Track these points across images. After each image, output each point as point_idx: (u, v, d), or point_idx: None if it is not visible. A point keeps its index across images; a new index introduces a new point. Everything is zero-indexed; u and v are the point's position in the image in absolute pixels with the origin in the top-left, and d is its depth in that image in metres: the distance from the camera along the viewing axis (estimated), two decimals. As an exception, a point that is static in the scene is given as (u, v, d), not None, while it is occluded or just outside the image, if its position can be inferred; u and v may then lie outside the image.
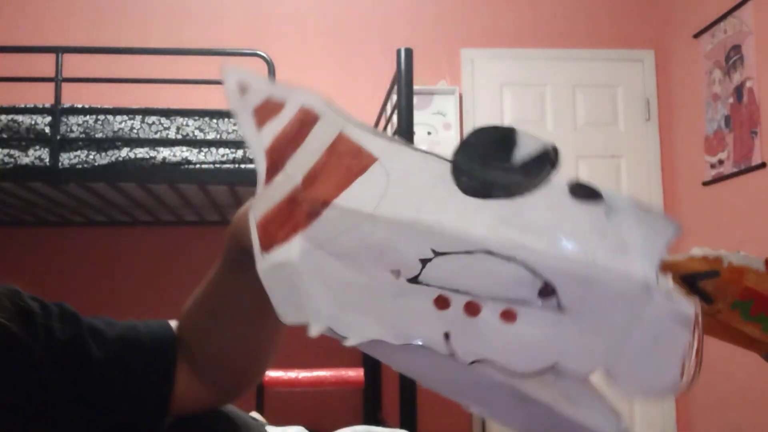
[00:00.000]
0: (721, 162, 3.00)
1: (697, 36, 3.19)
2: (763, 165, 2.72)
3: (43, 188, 2.56)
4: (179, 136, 2.45)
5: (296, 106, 0.49)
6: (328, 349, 3.27)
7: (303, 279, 0.47)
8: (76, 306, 0.62)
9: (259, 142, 0.49)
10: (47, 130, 2.39)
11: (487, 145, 0.46)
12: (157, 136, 2.44)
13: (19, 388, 0.54)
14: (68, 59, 2.57)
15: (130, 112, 2.46)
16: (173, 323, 0.66)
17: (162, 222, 3.30)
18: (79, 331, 0.58)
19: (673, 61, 3.45)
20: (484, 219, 0.45)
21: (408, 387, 2.34)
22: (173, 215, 3.18)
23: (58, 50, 2.51)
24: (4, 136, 2.39)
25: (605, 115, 3.51)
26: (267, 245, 0.47)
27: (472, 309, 0.45)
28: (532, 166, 0.45)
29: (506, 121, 3.49)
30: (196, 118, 2.49)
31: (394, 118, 2.56)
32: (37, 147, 2.39)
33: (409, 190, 0.46)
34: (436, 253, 0.45)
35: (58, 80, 2.45)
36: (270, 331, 0.65)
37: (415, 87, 2.49)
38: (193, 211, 3.09)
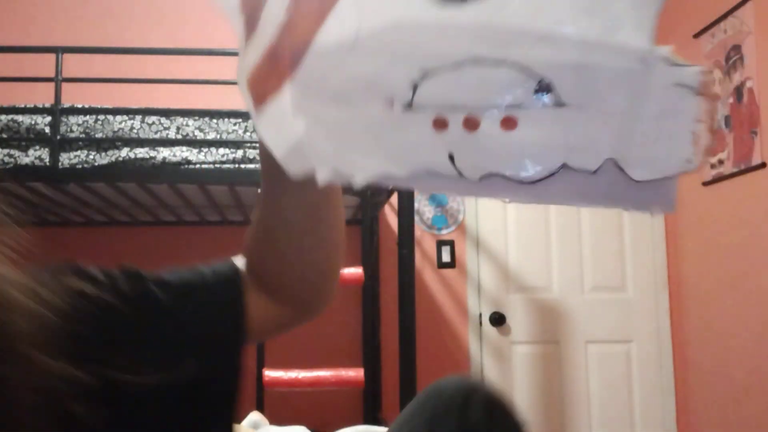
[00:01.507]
0: (721, 162, 3.01)
1: (697, 36, 3.19)
2: (763, 165, 2.72)
3: (43, 188, 2.56)
4: (179, 136, 2.45)
5: None
6: (328, 349, 3.28)
7: (300, 127, 0.45)
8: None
9: None
10: (47, 130, 2.39)
11: None
12: (157, 136, 2.44)
13: (113, 345, 0.56)
14: (68, 59, 2.57)
15: (130, 112, 2.46)
16: (238, 259, 0.69)
17: (162, 222, 3.30)
18: (145, 285, 0.61)
19: (673, 61, 3.45)
20: (466, 25, 0.42)
21: (408, 387, 2.34)
22: (173, 215, 3.18)
23: (58, 50, 2.51)
24: (4, 136, 2.39)
25: (605, 115, 3.51)
26: (260, 101, 0.45)
27: (471, 124, 0.44)
28: None
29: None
30: (196, 118, 2.49)
31: (394, 118, 2.56)
32: (37, 147, 2.39)
33: (383, 10, 0.44)
34: (425, 73, 0.44)
35: (58, 80, 2.46)
36: (327, 240, 0.67)
37: (415, 87, 2.49)
38: (193, 211, 3.09)
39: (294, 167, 0.45)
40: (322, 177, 0.45)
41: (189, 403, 0.60)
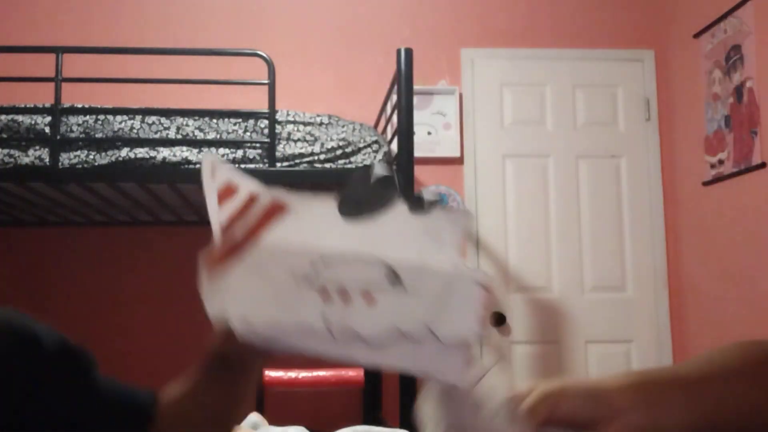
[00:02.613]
0: (721, 162, 3.01)
1: (697, 36, 3.19)
2: (763, 165, 2.72)
3: (43, 188, 2.56)
4: (179, 136, 2.45)
5: (246, 191, 0.68)
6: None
7: (227, 291, 0.65)
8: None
9: (217, 218, 0.67)
10: (47, 130, 2.39)
11: (362, 186, 0.68)
12: (157, 136, 2.44)
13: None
14: (68, 59, 2.57)
15: (130, 112, 2.46)
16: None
17: (162, 222, 3.30)
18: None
19: (673, 61, 3.45)
20: (357, 236, 0.66)
21: (408, 387, 2.34)
22: (173, 215, 3.18)
23: (58, 50, 2.51)
24: (4, 136, 2.39)
25: (605, 115, 3.51)
26: (211, 275, 0.65)
27: (345, 296, 0.64)
28: (384, 195, 0.67)
29: (506, 121, 3.49)
30: (196, 118, 2.49)
31: (394, 118, 2.56)
32: (37, 147, 2.39)
33: (308, 223, 0.67)
34: (324, 263, 0.65)
35: (58, 80, 2.46)
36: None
37: (415, 87, 2.49)
38: (192, 211, 3.09)
39: (216, 316, 0.64)
40: (233, 325, 0.63)
41: None
